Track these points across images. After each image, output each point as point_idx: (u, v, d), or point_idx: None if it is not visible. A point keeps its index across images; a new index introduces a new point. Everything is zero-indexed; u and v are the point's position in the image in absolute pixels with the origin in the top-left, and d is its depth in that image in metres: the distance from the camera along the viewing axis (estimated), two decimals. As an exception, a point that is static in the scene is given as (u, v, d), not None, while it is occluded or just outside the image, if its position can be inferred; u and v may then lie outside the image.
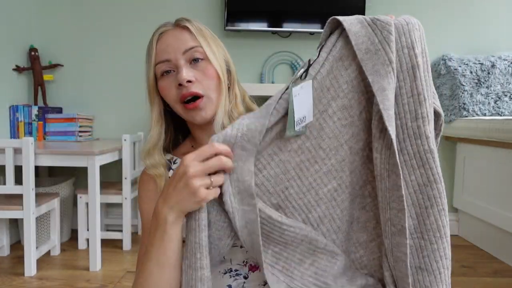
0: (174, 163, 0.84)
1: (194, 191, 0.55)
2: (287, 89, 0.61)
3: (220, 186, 0.60)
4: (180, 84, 0.74)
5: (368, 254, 0.67)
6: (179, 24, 0.79)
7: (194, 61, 0.77)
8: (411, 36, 0.58)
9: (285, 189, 0.63)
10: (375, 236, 0.67)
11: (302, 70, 0.61)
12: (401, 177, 0.57)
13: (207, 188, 0.57)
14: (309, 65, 0.60)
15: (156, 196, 0.77)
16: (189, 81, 0.75)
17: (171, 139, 0.88)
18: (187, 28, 0.78)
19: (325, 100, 0.61)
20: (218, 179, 0.57)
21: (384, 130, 0.59)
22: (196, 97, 0.76)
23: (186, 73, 0.74)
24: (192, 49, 0.76)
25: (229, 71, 0.84)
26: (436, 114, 0.63)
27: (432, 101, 0.60)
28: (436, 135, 0.65)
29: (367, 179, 0.65)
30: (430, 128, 0.59)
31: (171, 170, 0.82)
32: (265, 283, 0.82)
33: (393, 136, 0.57)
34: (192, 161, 0.56)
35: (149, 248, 0.63)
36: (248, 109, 0.87)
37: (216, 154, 0.57)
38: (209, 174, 0.58)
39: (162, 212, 0.59)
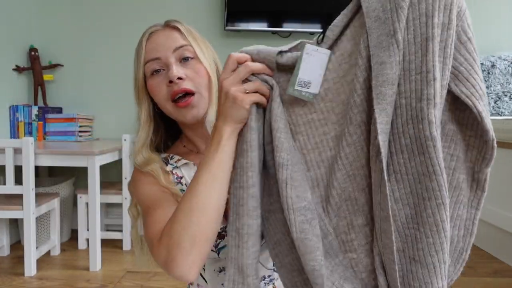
0: (171, 159, 0.83)
1: (233, 97, 0.59)
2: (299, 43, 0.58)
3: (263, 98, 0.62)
4: (170, 82, 0.74)
5: (359, 239, 0.63)
6: (169, 25, 0.80)
7: (184, 59, 0.77)
8: (434, 2, 0.51)
9: (291, 139, 0.62)
10: (370, 221, 0.62)
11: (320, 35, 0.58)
12: (384, 162, 0.54)
13: (246, 93, 0.61)
14: (326, 28, 0.57)
15: (156, 183, 0.75)
16: (179, 78, 0.75)
17: (162, 139, 0.87)
18: (177, 28, 0.79)
19: (346, 66, 0.58)
20: (250, 85, 0.61)
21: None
22: (186, 95, 0.76)
23: (177, 70, 0.74)
24: (182, 47, 0.76)
25: (218, 72, 0.83)
26: (482, 130, 0.56)
27: (446, 83, 0.53)
28: (484, 162, 0.57)
29: (370, 158, 0.60)
30: (436, 113, 0.53)
31: (169, 165, 0.81)
32: (260, 280, 0.82)
33: (377, 116, 0.53)
34: (225, 79, 0.61)
35: (203, 165, 0.62)
36: None
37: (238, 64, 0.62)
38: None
39: (218, 126, 0.62)
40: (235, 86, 0.60)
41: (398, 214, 0.59)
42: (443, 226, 0.55)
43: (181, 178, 0.80)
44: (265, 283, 0.83)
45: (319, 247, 0.59)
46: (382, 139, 0.54)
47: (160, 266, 0.63)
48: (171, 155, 0.83)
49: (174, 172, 0.80)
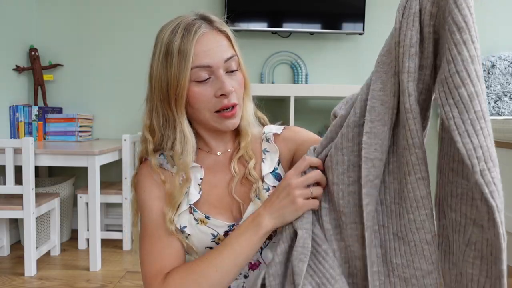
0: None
1: (294, 199, 0.63)
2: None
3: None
4: (222, 95, 0.73)
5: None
6: (217, 28, 0.75)
7: (230, 72, 0.75)
8: None
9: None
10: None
11: None
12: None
13: (306, 198, 0.65)
14: None
15: (161, 193, 0.76)
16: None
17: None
18: (225, 33, 0.76)
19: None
20: (317, 190, 0.65)
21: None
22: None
23: (230, 84, 0.73)
24: (231, 59, 0.74)
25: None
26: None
27: (430, 61, 0.55)
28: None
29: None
30: (415, 86, 0.54)
31: (175, 166, 0.81)
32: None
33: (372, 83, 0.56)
34: (293, 175, 0.65)
35: (231, 243, 0.67)
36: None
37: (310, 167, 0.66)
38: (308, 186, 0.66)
39: (263, 216, 0.67)
40: (301, 189, 0.64)
41: (388, 187, 0.60)
42: (423, 203, 0.55)
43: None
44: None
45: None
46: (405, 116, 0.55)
47: None
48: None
49: (180, 173, 0.80)
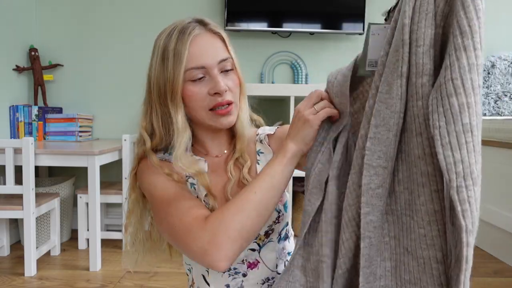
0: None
1: (305, 119, 0.68)
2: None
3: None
4: (216, 93, 0.75)
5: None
6: (211, 30, 0.78)
7: (225, 71, 0.78)
8: None
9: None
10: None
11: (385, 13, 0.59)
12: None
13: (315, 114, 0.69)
14: (394, 6, 0.56)
15: (170, 179, 0.76)
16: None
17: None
18: (219, 35, 0.78)
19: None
20: (320, 104, 0.70)
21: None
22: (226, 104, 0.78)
23: (224, 83, 0.75)
24: (225, 60, 0.77)
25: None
26: None
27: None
28: None
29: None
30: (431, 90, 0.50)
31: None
32: (264, 281, 0.82)
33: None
34: (302, 105, 0.71)
35: (267, 171, 0.70)
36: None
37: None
38: None
39: (286, 143, 0.71)
40: (307, 110, 0.69)
41: (398, 197, 0.56)
42: (437, 217, 0.51)
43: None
44: (268, 284, 0.83)
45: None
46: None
47: (193, 251, 0.65)
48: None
49: None
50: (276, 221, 0.82)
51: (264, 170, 0.70)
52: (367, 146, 0.55)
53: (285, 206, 0.85)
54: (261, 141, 0.85)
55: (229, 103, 0.77)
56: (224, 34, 0.79)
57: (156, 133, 0.79)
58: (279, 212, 0.82)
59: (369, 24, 0.58)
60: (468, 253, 0.46)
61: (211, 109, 0.76)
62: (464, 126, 0.45)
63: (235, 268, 0.81)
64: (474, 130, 0.45)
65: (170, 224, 0.70)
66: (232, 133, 0.85)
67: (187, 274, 0.90)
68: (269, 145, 0.84)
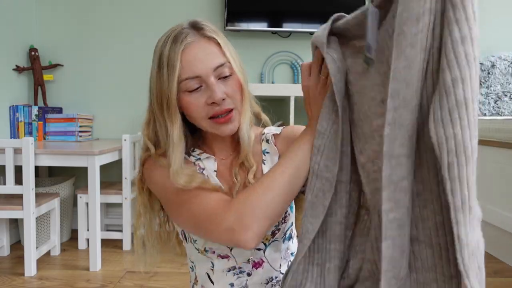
0: (192, 151, 0.84)
1: (311, 90, 0.69)
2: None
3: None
4: (213, 103, 0.72)
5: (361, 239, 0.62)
6: (205, 35, 0.74)
7: (223, 77, 0.74)
8: None
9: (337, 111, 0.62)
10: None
11: None
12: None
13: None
14: None
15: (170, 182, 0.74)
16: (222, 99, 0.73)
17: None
18: (214, 40, 0.74)
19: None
20: (313, 70, 0.68)
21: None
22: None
23: (220, 91, 0.72)
24: (222, 66, 0.73)
25: (244, 72, 0.81)
26: None
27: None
28: None
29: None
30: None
31: (191, 156, 0.83)
32: (268, 281, 0.82)
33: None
34: (302, 83, 0.71)
35: (296, 148, 0.68)
36: (255, 112, 0.86)
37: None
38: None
39: (310, 121, 0.70)
40: (306, 82, 0.69)
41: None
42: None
43: (203, 169, 0.81)
44: (272, 284, 0.83)
45: (321, 218, 0.60)
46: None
47: (219, 233, 0.65)
48: (192, 148, 0.84)
49: (196, 163, 0.81)
50: (283, 220, 0.82)
51: (292, 149, 0.68)
52: (387, 133, 0.47)
53: (290, 206, 0.84)
54: (267, 141, 0.84)
55: (229, 111, 0.74)
56: (219, 38, 0.75)
57: (160, 142, 0.78)
58: (285, 212, 0.82)
59: (369, 2, 0.54)
60: (460, 232, 0.43)
61: (210, 118, 0.74)
62: (458, 101, 0.42)
63: (240, 267, 0.81)
64: (470, 104, 0.42)
65: (191, 212, 0.69)
66: (237, 137, 0.82)
67: (190, 272, 0.90)
68: (275, 145, 0.83)
